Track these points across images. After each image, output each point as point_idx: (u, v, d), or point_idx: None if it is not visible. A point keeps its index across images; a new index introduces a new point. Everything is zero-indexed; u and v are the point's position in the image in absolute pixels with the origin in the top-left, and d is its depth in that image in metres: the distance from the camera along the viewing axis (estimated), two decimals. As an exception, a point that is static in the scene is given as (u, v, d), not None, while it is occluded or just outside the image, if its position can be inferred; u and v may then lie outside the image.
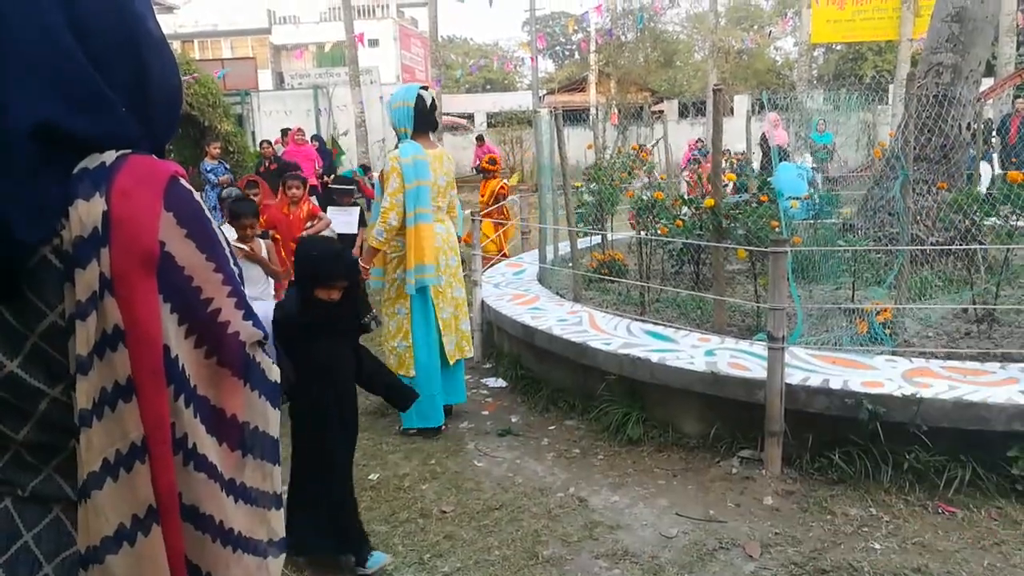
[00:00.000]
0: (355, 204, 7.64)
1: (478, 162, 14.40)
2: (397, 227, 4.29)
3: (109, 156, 0.90)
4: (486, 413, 4.78)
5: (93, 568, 0.90)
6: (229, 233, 4.55)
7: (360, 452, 4.20)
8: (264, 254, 4.67)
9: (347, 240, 6.75)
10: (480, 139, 20.59)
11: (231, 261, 1.01)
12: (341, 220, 6.96)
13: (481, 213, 7.66)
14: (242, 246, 4.46)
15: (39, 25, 0.88)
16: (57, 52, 0.89)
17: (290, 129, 14.70)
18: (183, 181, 0.97)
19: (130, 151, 0.93)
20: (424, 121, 4.39)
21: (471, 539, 3.26)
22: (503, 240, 8.77)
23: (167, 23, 33.98)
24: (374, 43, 34.49)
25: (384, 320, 4.51)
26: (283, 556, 1.06)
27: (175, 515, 0.93)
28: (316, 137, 17.88)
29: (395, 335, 4.45)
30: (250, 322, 1.02)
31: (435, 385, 4.39)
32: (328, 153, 16.40)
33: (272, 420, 1.05)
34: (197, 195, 1.00)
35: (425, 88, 4.45)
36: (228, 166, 12.42)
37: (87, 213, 0.87)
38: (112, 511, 0.89)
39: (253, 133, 22.89)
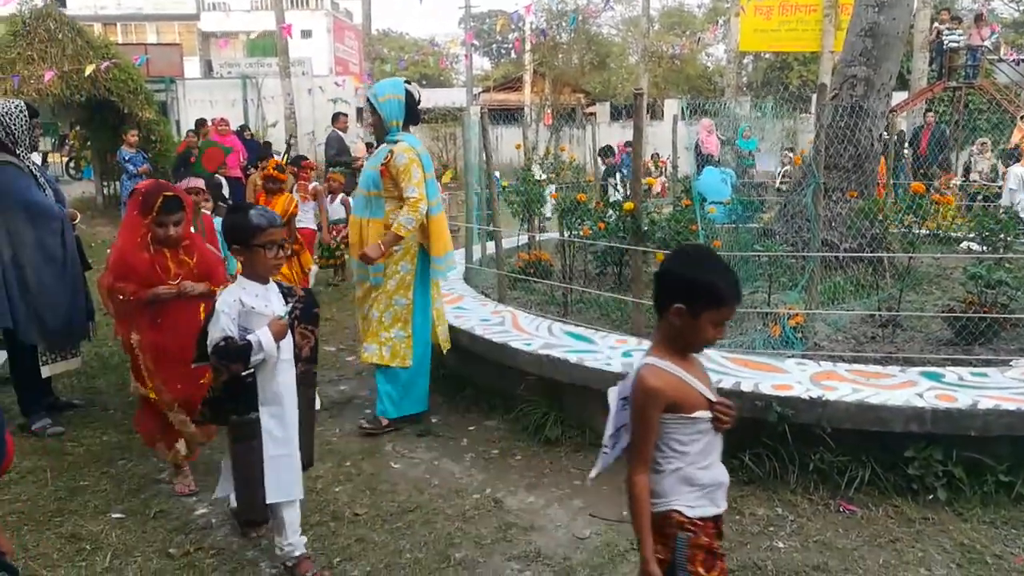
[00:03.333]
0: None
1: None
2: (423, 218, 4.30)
3: None
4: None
5: None
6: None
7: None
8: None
9: None
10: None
11: None
12: None
13: None
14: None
15: None
16: None
17: (206, 120, 14.09)
18: None
19: None
20: (412, 115, 4.41)
21: (383, 542, 3.22)
22: (300, 273, 5.79)
23: (87, 3, 32.57)
24: (307, 34, 33.88)
25: (375, 314, 4.39)
26: None
27: None
28: (244, 127, 17.39)
29: (391, 325, 4.40)
30: None
31: (426, 373, 4.57)
32: (256, 144, 15.98)
33: None
34: None
35: (408, 82, 4.46)
36: (148, 155, 11.98)
37: None
38: None
39: (178, 122, 22.18)
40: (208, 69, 31.80)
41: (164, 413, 3.51)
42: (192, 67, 31.14)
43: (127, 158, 11.22)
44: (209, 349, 2.70)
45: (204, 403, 2.96)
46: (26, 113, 4.33)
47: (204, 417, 3.02)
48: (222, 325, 2.67)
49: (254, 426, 2.76)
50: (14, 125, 4.25)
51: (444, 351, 4.69)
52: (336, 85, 24.16)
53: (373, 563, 3.07)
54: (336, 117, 12.50)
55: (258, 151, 14.70)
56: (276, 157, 13.46)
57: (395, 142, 4.30)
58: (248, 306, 2.72)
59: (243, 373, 2.71)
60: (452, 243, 4.58)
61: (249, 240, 2.75)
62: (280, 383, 2.79)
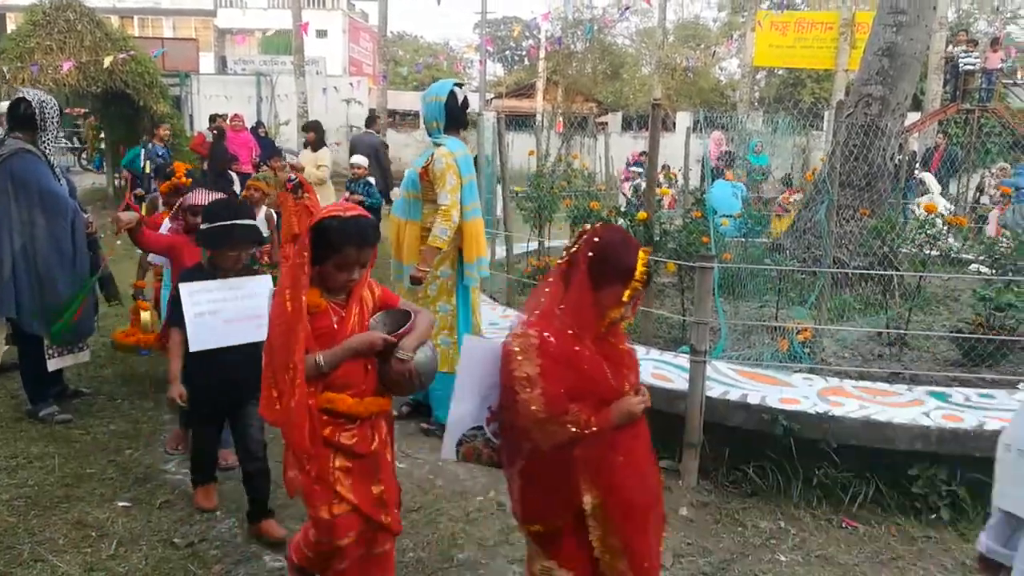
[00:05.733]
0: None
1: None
2: (457, 225, 4.22)
3: None
4: (408, 410, 4.73)
5: None
6: None
7: (278, 451, 4.12)
8: None
9: None
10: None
11: None
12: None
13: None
14: None
15: None
16: None
17: (219, 116, 13.97)
18: None
19: None
20: (455, 118, 4.35)
21: (386, 540, 3.23)
22: None
23: (106, -3, 32.73)
24: (322, 34, 33.99)
25: None
26: None
27: None
28: (259, 123, 17.42)
29: (438, 333, 4.31)
30: None
31: None
32: (269, 142, 16.01)
33: None
34: None
35: (460, 84, 4.40)
36: (172, 153, 11.96)
37: None
38: None
39: (191, 116, 22.28)
40: (222, 65, 31.91)
41: None
42: (207, 63, 31.23)
43: (159, 153, 11.18)
44: None
45: None
46: (58, 108, 4.43)
47: None
48: None
49: None
50: (48, 115, 4.33)
51: None
52: (350, 85, 24.25)
53: (376, 560, 3.08)
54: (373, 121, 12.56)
55: (271, 149, 14.73)
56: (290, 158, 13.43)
57: (438, 145, 4.29)
58: None
59: None
60: (486, 249, 4.52)
61: None
62: None
